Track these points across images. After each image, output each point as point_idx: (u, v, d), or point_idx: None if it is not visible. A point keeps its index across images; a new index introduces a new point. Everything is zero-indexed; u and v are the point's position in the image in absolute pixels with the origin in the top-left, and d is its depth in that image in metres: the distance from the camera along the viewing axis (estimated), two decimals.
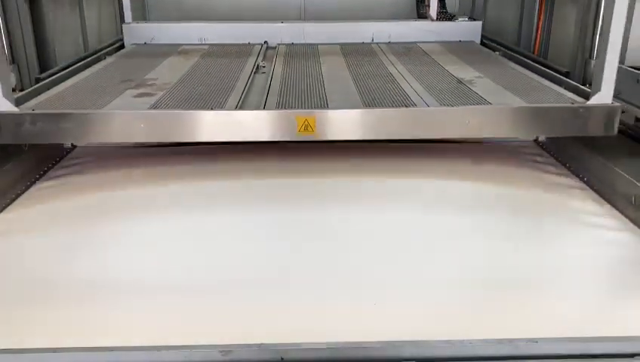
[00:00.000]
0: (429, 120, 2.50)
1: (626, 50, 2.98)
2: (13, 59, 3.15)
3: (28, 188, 2.68)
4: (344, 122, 2.47)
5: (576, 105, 2.53)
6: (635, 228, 2.21)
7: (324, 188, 2.63)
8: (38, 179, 2.79)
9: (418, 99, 2.67)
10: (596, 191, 2.52)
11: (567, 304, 1.75)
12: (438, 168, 2.82)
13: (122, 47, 4.19)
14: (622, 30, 2.36)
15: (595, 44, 3.14)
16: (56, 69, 3.42)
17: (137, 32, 4.24)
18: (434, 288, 1.84)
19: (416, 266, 1.98)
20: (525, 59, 3.50)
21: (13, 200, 2.55)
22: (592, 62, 3.10)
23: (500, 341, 1.46)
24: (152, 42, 4.21)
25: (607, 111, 2.47)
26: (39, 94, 2.81)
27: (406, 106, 2.56)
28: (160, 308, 1.74)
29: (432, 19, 4.34)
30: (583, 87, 2.74)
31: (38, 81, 3.13)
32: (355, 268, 1.97)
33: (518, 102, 2.61)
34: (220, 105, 2.61)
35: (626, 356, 1.46)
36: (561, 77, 3.03)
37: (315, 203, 2.47)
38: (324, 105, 2.62)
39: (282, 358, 1.44)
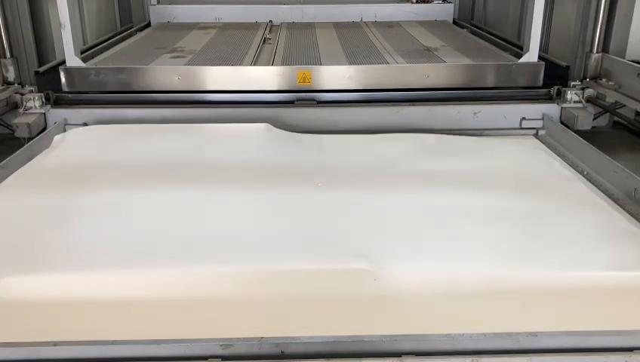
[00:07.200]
0: (397, 73, 3.25)
1: (626, 45, 3.12)
2: (12, 53, 3.31)
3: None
4: (333, 75, 3.23)
5: (510, 62, 3.30)
6: (636, 222, 2.18)
7: (321, 176, 2.55)
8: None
9: (391, 60, 3.44)
10: (596, 184, 2.49)
11: (567, 298, 1.74)
12: (436, 162, 2.72)
13: (149, 25, 4.99)
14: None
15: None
16: (97, 40, 4.20)
17: (162, 12, 5.06)
18: (432, 282, 1.81)
19: (413, 262, 1.93)
20: (486, 34, 4.29)
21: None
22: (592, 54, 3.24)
23: (500, 334, 1.44)
24: (174, 21, 5.02)
25: (533, 68, 3.23)
26: (93, 57, 3.57)
27: (381, 64, 3.34)
28: (159, 303, 1.71)
29: (412, 2, 5.13)
30: (520, 51, 3.50)
31: (37, 74, 3.33)
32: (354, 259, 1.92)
33: (467, 61, 3.38)
34: (237, 64, 3.38)
35: (625, 350, 1.44)
36: (507, 44, 3.81)
37: (313, 196, 2.38)
38: (319, 63, 3.39)
39: (282, 352, 1.43)
